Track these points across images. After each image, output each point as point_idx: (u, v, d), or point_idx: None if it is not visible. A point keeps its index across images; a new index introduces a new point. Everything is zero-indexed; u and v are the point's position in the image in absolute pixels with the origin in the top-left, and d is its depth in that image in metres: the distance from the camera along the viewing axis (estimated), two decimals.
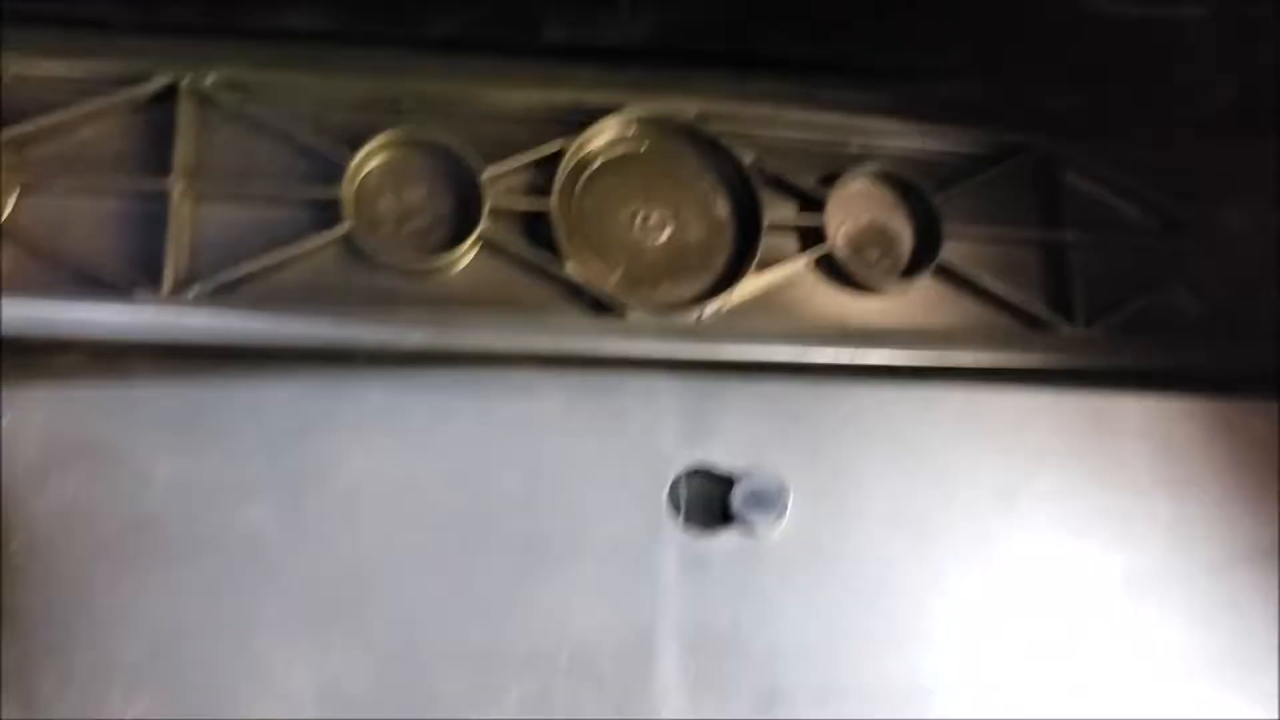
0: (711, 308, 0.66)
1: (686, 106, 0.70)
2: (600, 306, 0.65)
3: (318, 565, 0.58)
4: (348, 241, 0.63)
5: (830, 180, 0.71)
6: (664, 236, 0.68)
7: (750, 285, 0.68)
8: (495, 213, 0.65)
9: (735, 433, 0.64)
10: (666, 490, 0.62)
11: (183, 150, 0.62)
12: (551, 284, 0.65)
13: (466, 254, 0.64)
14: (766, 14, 0.87)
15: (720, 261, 0.69)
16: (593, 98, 0.69)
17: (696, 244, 0.69)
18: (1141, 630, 0.65)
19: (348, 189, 0.63)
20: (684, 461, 0.63)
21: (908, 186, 0.72)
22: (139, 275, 0.60)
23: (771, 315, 0.69)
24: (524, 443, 0.62)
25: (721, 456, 0.63)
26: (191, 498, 0.58)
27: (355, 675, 0.58)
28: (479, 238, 0.64)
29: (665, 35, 0.81)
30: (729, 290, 0.67)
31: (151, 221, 0.61)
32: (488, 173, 0.65)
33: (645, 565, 0.61)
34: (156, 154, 0.62)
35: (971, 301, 0.72)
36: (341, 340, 0.61)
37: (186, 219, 0.62)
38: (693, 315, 0.66)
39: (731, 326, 0.67)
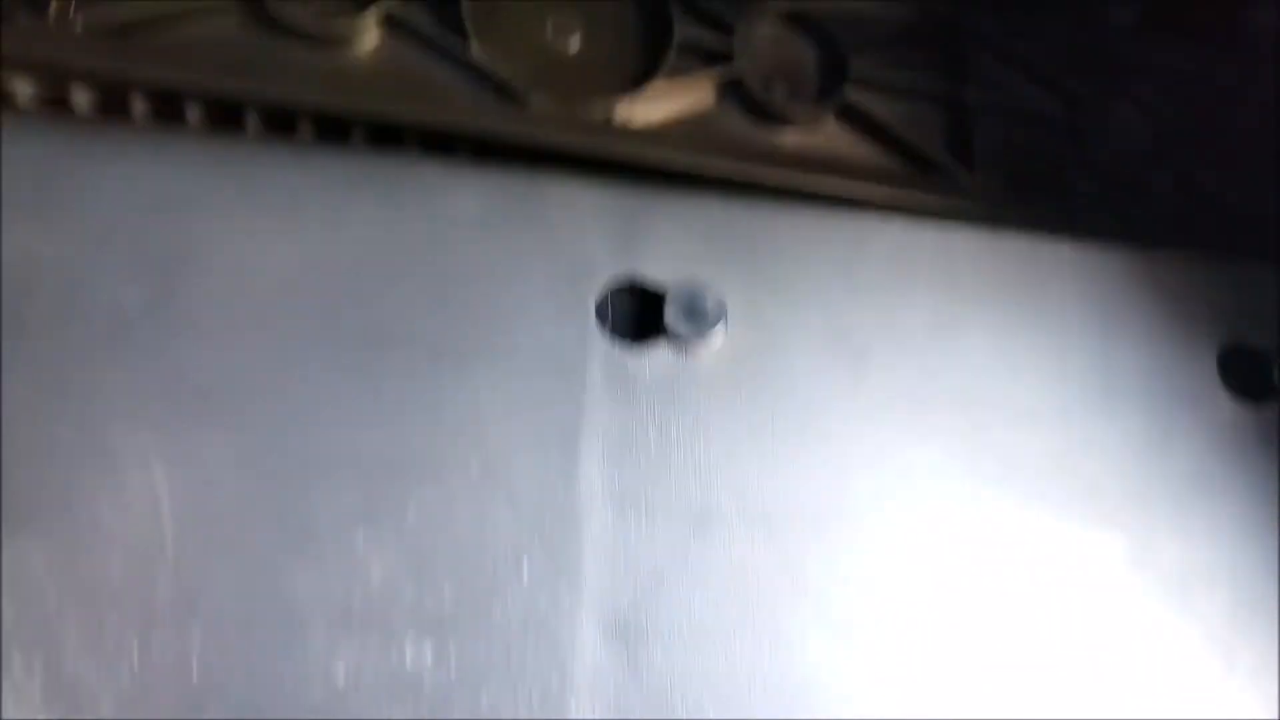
0: (621, 111, 0.63)
1: None
2: (506, 94, 0.61)
3: (186, 359, 0.51)
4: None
5: (740, 8, 0.70)
6: (573, 44, 0.66)
7: (658, 98, 0.65)
8: None
9: (667, 246, 0.60)
10: (593, 300, 0.57)
11: None
12: (458, 70, 0.61)
13: (369, 30, 0.60)
14: None
15: (629, 77, 0.66)
16: None
17: (606, 56, 0.66)
18: (1081, 454, 0.63)
19: None
20: (612, 272, 0.58)
21: (816, 28, 0.72)
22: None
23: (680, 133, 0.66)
24: (433, 243, 0.56)
25: (652, 269, 0.59)
26: (41, 270, 0.50)
27: (223, 483, 0.49)
28: (382, 11, 0.60)
29: None
30: (636, 93, 0.64)
31: None
32: None
33: (567, 375, 0.56)
34: None
35: (876, 148, 0.71)
36: (232, 92, 0.56)
37: None
38: (601, 109, 0.63)
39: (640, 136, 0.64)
